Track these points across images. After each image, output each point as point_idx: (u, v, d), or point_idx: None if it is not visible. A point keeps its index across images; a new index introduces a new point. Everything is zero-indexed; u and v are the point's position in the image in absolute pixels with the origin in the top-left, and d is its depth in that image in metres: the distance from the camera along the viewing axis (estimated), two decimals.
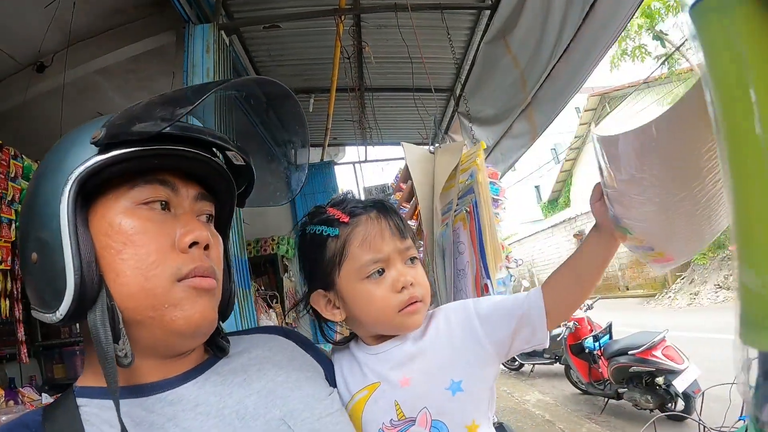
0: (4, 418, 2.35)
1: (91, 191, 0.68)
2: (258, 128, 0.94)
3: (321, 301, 1.00)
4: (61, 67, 3.62)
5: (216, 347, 0.82)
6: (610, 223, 0.88)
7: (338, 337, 1.06)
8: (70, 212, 0.64)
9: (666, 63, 13.53)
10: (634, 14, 2.61)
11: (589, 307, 6.73)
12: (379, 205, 0.99)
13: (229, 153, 0.80)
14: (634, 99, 16.42)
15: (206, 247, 0.73)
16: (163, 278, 0.68)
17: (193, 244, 0.71)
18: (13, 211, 3.33)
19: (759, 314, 0.34)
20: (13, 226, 3.35)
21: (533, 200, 28.24)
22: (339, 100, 4.89)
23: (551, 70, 3.15)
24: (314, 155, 6.54)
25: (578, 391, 6.74)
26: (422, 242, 2.58)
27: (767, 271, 0.33)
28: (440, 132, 5.14)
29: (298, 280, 6.21)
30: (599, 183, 0.86)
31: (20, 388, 3.22)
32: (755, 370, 0.36)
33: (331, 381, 0.93)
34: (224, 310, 0.83)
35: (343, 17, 3.63)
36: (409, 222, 2.95)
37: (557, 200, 23.03)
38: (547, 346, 1.03)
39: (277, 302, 5.57)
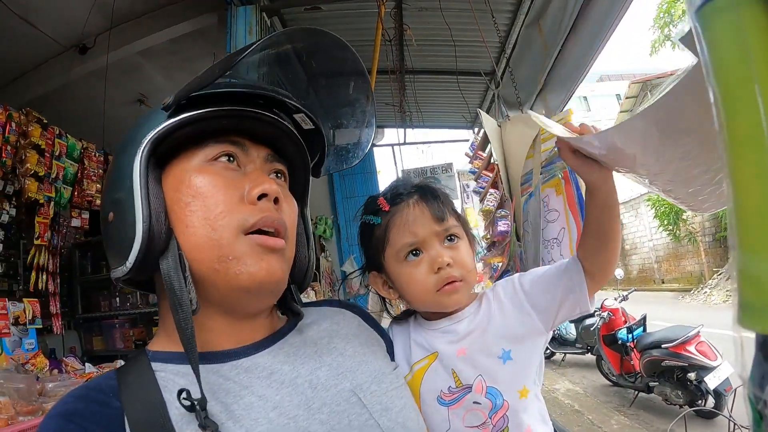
0: (50, 386, 2.44)
1: (165, 155, 0.72)
2: (319, 92, 0.92)
3: (378, 281, 1.08)
4: (103, 49, 3.70)
5: (290, 312, 0.84)
6: (596, 173, 0.89)
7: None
8: (142, 169, 0.67)
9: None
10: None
11: (624, 298, 6.62)
12: (420, 190, 1.05)
13: (297, 117, 0.80)
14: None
15: (276, 201, 0.73)
16: (230, 229, 0.69)
17: (262, 196, 0.71)
18: (53, 189, 3.44)
19: (756, 297, 0.35)
20: (53, 203, 3.45)
21: None
22: (379, 82, 4.85)
23: (558, 54, 3.16)
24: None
25: (608, 382, 6.67)
26: (509, 211, 2.56)
27: (764, 256, 0.34)
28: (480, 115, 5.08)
29: (335, 259, 6.26)
30: (563, 140, 0.88)
31: (64, 358, 3.33)
32: (751, 352, 0.37)
33: (391, 355, 0.96)
34: (302, 280, 0.85)
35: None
36: (490, 191, 2.96)
37: None
38: (592, 311, 1.04)
39: (315, 280, 5.63)
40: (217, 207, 0.69)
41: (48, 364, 2.95)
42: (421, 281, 0.99)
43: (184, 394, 0.61)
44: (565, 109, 3.56)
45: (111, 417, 0.62)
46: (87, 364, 3.20)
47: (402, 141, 6.71)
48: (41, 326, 3.17)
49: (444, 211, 1.03)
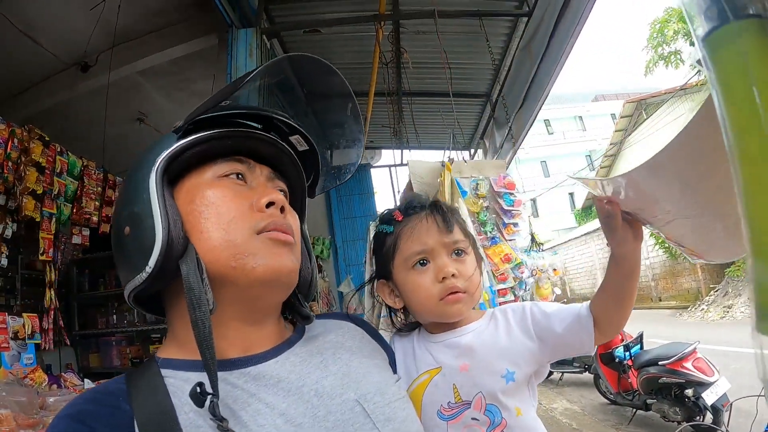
0: (51, 400, 2.45)
1: (176, 174, 0.77)
2: (312, 115, 0.99)
3: (385, 289, 1.13)
4: (104, 67, 3.75)
5: (299, 316, 0.87)
6: (621, 242, 0.93)
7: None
8: (158, 183, 0.71)
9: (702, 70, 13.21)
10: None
11: None
12: (432, 205, 1.11)
13: (292, 138, 0.86)
14: (670, 106, 16.07)
15: (282, 210, 0.78)
16: (243, 230, 0.73)
17: (270, 204, 0.76)
18: (55, 206, 3.46)
19: None
20: (54, 219, 3.47)
21: (567, 208, 27.95)
22: (376, 104, 4.95)
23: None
24: None
25: (606, 400, 6.63)
26: None
27: None
28: (476, 137, 5.17)
29: (332, 280, 6.27)
30: (599, 198, 0.91)
31: (63, 374, 3.33)
32: None
33: (394, 368, 0.97)
34: (307, 291, 0.88)
35: (383, 23, 3.67)
36: None
37: (591, 208, 22.62)
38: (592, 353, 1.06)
39: (313, 300, 5.63)
40: (230, 213, 0.74)
41: (47, 379, 2.95)
42: (426, 289, 1.03)
43: (198, 388, 0.63)
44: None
45: (121, 420, 0.64)
46: (86, 380, 3.20)
47: (398, 162, 6.77)
48: (40, 341, 3.17)
49: (453, 225, 1.08)
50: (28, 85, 4.08)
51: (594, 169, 22.22)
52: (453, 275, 1.03)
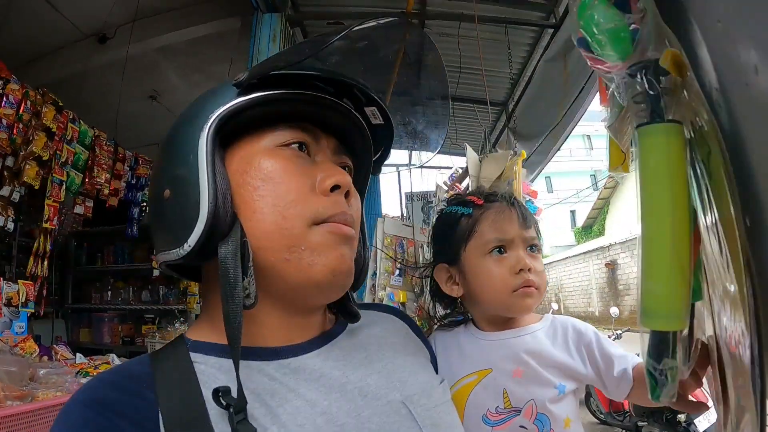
0: (42, 372, 2.40)
1: (231, 134, 0.67)
2: (394, 87, 0.91)
3: (443, 275, 1.09)
4: (122, 41, 3.72)
5: (347, 313, 0.78)
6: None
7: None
8: (209, 146, 0.62)
9: None
10: None
11: (618, 337, 6.60)
12: (510, 197, 1.10)
13: (368, 110, 0.76)
14: None
15: (347, 195, 0.70)
16: (302, 219, 0.65)
17: (335, 188, 0.67)
18: (65, 173, 3.42)
19: (650, 306, 0.55)
20: (64, 186, 3.43)
21: (567, 225, 27.87)
22: (392, 103, 4.91)
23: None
24: None
25: (596, 420, 6.59)
26: None
27: (657, 281, 0.54)
28: (488, 144, 5.13)
29: None
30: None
31: (54, 345, 3.28)
32: (647, 342, 0.56)
33: (435, 368, 0.89)
34: (357, 278, 0.78)
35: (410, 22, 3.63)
36: None
37: (591, 227, 22.70)
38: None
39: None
40: (289, 194, 0.65)
41: (38, 349, 2.90)
42: (501, 278, 1.01)
43: (221, 393, 0.56)
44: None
45: (144, 410, 0.57)
46: (78, 354, 3.15)
47: (408, 162, 6.71)
48: (33, 310, 3.12)
49: (530, 219, 1.07)
50: (44, 51, 4.04)
51: (598, 189, 22.23)
52: (529, 269, 1.01)
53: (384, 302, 3.89)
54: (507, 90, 4.96)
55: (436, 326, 1.14)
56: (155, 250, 0.69)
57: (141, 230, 4.13)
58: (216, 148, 0.64)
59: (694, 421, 4.48)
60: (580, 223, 25.80)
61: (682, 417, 4.59)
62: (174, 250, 0.63)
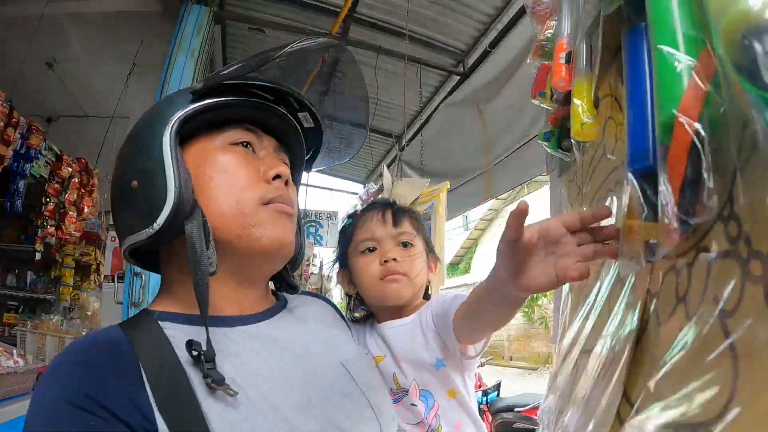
0: None
1: (187, 136, 0.78)
2: (322, 95, 1.07)
3: (344, 278, 1.29)
4: None
5: (288, 285, 0.92)
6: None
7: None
8: (172, 142, 0.73)
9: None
10: None
11: (482, 364, 7.01)
12: (386, 203, 1.31)
13: (301, 115, 0.89)
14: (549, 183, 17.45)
15: (286, 184, 0.82)
16: (252, 200, 0.76)
17: (277, 177, 0.80)
18: None
19: None
20: None
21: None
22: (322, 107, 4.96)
23: (517, 149, 3.42)
24: None
25: None
26: None
27: None
28: (376, 172, 5.32)
29: None
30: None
31: None
32: None
33: None
34: (294, 262, 0.90)
35: (330, 48, 3.74)
36: None
37: (458, 264, 23.69)
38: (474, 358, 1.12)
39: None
40: (240, 182, 0.77)
41: None
42: (370, 270, 1.19)
43: (193, 346, 0.65)
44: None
45: (128, 367, 0.63)
46: None
47: (307, 183, 6.79)
48: None
49: (402, 221, 1.24)
50: None
51: (468, 230, 23.33)
52: (394, 259, 1.18)
53: None
54: (404, 124, 5.25)
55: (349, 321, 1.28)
56: (120, 235, 0.79)
57: (24, 207, 3.74)
58: (176, 147, 0.74)
59: None
60: (448, 259, 26.75)
61: None
62: (144, 230, 0.72)
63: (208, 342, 0.66)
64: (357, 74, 1.07)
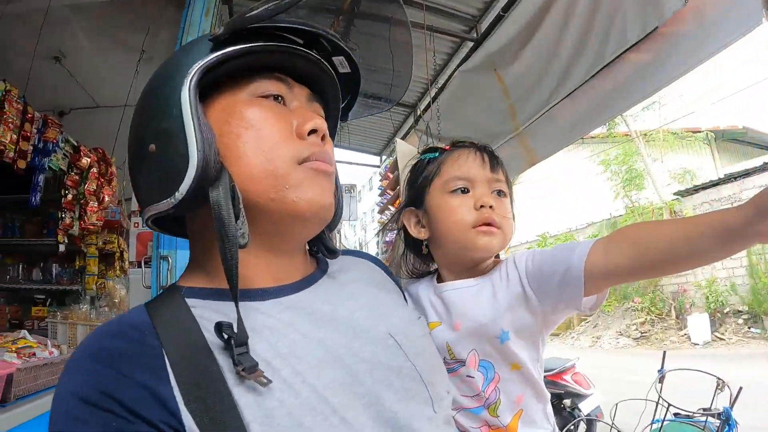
0: None
1: (209, 88, 0.70)
2: (360, 38, 0.97)
3: (411, 219, 1.11)
4: None
5: (327, 250, 0.84)
6: None
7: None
8: (192, 98, 0.64)
9: (606, 124, 14.32)
10: (660, 89, 2.81)
11: None
12: (479, 144, 1.11)
13: (335, 59, 0.80)
14: (567, 151, 17.20)
15: (323, 139, 0.74)
16: (285, 160, 0.69)
17: (312, 131, 0.72)
18: None
19: None
20: None
21: None
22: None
23: (549, 110, 3.31)
24: None
25: None
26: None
27: None
28: (392, 144, 5.27)
29: None
30: None
31: None
32: None
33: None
34: (331, 224, 0.82)
35: (340, 18, 3.68)
36: (390, 207, 3.13)
37: None
38: (592, 311, 0.96)
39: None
40: (271, 139, 0.69)
41: None
42: (461, 214, 1.01)
43: (223, 328, 0.59)
44: None
45: (150, 357, 0.59)
46: None
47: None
48: None
49: (498, 167, 1.07)
50: None
51: None
52: (491, 207, 1.00)
53: None
54: (418, 93, 5.17)
55: (405, 278, 1.17)
56: (141, 205, 0.73)
57: (42, 201, 3.79)
58: (197, 100, 0.66)
59: (579, 405, 4.90)
60: None
61: (567, 402, 5.01)
62: (165, 200, 0.65)
63: (240, 324, 0.60)
64: (398, 13, 0.99)
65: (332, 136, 0.85)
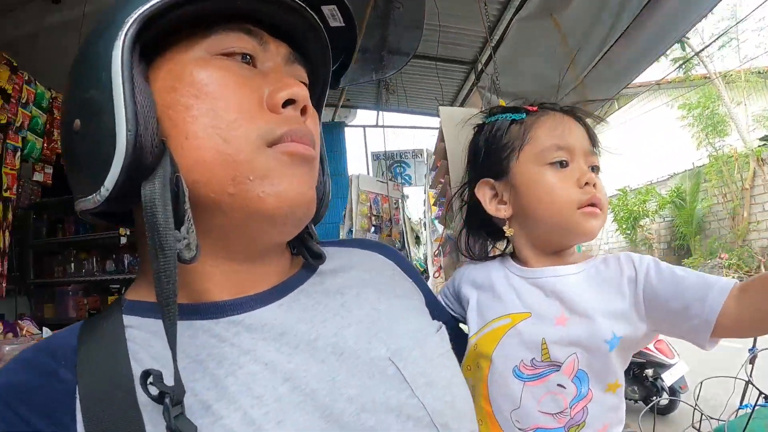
0: (7, 348, 2.30)
1: (155, 44, 0.53)
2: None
3: (487, 192, 0.92)
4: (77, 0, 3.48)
5: (310, 253, 0.65)
6: None
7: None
8: (125, 58, 0.47)
9: (683, 66, 13.43)
10: (706, 15, 2.60)
11: None
12: (574, 108, 0.93)
13: (325, 9, 0.62)
14: (643, 99, 16.27)
15: (303, 112, 0.56)
16: (249, 140, 0.51)
17: (289, 102, 0.54)
18: (20, 138, 3.24)
19: None
20: (19, 153, 3.24)
21: None
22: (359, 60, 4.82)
23: (606, 52, 3.07)
24: (326, 115, 6.46)
25: None
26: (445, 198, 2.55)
27: None
28: (456, 104, 5.09)
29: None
30: None
31: (19, 321, 3.14)
32: None
33: (436, 313, 0.73)
34: (317, 210, 0.64)
35: None
36: (441, 181, 2.99)
37: None
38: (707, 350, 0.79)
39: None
40: (230, 113, 0.51)
41: (2, 327, 2.78)
42: (564, 191, 0.84)
43: (150, 378, 0.43)
44: None
45: (58, 395, 0.47)
46: (44, 329, 3.03)
47: (376, 123, 6.62)
48: None
49: (595, 138, 0.91)
50: None
51: None
52: (595, 185, 0.85)
53: None
54: (476, 49, 4.92)
55: (467, 262, 0.99)
56: (73, 194, 0.56)
57: None
58: (136, 61, 0.49)
59: (662, 375, 4.63)
60: None
61: (649, 372, 4.75)
62: (90, 197, 0.50)
63: (176, 375, 0.44)
64: None
65: (320, 107, 0.68)
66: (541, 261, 0.89)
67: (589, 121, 0.94)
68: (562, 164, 0.86)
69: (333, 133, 6.46)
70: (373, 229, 4.42)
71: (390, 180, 5.46)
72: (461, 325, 0.93)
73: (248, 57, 0.56)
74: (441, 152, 2.63)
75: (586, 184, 0.84)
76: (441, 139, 2.58)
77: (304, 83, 0.61)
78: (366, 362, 0.54)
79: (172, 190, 0.48)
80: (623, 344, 0.78)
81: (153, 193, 0.46)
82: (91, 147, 0.50)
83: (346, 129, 6.83)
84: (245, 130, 0.51)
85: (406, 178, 6.33)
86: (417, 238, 6.10)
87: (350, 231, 4.28)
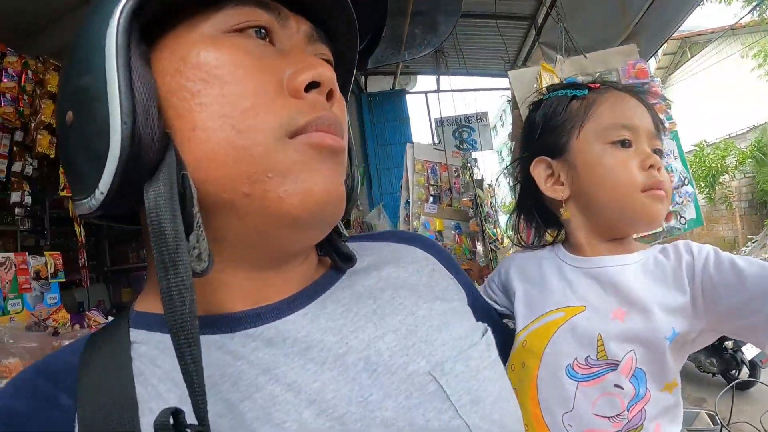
0: (65, 343, 2.40)
1: (158, 23, 0.46)
2: None
3: (543, 171, 0.87)
4: None
5: (339, 254, 0.57)
6: None
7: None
8: (121, 39, 0.41)
9: (757, 9, 12.28)
10: None
11: None
12: (640, 88, 0.90)
13: None
14: (717, 46, 15.03)
15: (329, 96, 0.49)
16: (267, 131, 0.44)
17: (313, 85, 0.47)
18: None
19: None
20: None
21: None
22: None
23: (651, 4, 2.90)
24: (385, 83, 6.40)
25: None
26: None
27: None
28: (518, 61, 4.86)
29: (366, 209, 6.03)
30: None
31: (87, 312, 3.29)
32: None
33: (479, 314, 0.64)
34: (346, 206, 0.55)
35: None
36: None
37: None
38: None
39: (348, 227, 5.42)
40: (244, 99, 0.44)
41: (70, 318, 2.91)
42: (627, 172, 0.79)
43: (170, 419, 0.37)
44: None
45: (56, 424, 0.43)
46: (110, 318, 3.18)
47: (437, 88, 6.40)
48: (64, 279, 3.12)
49: (660, 125, 0.85)
50: (43, 22, 3.89)
51: None
52: (659, 169, 0.80)
53: (419, 232, 3.75)
54: (534, 3, 4.61)
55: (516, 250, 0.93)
56: (72, 198, 0.50)
57: None
58: (135, 41, 0.43)
59: (742, 348, 4.37)
60: None
61: (729, 344, 4.48)
62: (86, 200, 0.44)
63: (198, 412, 0.37)
64: None
65: (347, 91, 0.60)
66: (596, 249, 0.83)
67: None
68: (625, 144, 0.81)
69: (395, 102, 6.39)
70: (431, 198, 4.28)
71: (456, 146, 5.22)
72: (506, 321, 0.89)
73: (264, 32, 0.48)
74: (517, 118, 2.50)
75: (651, 167, 0.79)
76: (515, 106, 2.44)
77: (330, 61, 0.55)
78: (403, 379, 0.47)
79: (179, 191, 0.41)
80: (681, 340, 0.72)
81: (158, 197, 0.40)
82: (83, 142, 0.44)
83: (408, 96, 6.67)
84: (262, 118, 0.44)
85: (472, 143, 6.06)
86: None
87: (407, 202, 4.17)
